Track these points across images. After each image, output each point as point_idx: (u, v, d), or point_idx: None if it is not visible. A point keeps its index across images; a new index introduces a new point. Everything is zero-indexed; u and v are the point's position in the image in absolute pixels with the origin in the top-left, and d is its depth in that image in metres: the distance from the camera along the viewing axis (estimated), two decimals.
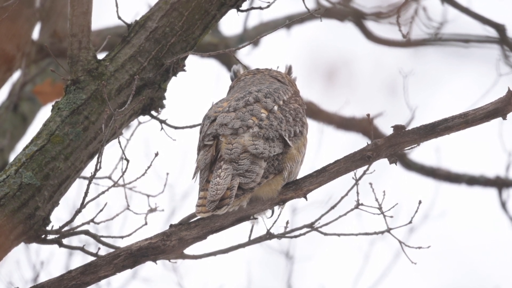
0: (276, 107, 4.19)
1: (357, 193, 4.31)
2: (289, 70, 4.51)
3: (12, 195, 4.30)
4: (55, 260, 6.33)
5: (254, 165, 4.04)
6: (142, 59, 4.49)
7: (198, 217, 4.12)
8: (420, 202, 4.37)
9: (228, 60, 7.11)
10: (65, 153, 4.38)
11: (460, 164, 6.97)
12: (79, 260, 6.51)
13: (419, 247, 4.36)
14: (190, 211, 4.22)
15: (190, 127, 4.67)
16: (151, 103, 4.56)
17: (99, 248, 4.43)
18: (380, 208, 4.33)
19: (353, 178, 4.29)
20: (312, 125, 6.62)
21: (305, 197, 4.19)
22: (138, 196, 4.72)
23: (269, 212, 4.23)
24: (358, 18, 6.21)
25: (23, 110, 7.05)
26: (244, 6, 4.56)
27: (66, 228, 4.42)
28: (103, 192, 4.46)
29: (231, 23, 7.26)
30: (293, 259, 6.47)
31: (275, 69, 4.49)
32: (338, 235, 4.38)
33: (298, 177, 4.22)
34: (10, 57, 5.56)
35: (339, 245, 4.51)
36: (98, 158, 4.25)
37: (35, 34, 6.64)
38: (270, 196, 4.15)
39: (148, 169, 4.55)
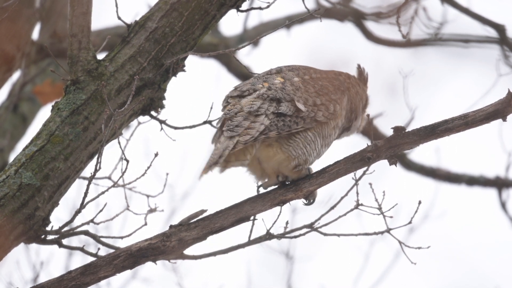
0: (296, 78, 4.21)
1: (357, 193, 4.31)
2: (362, 72, 4.50)
3: (12, 195, 4.30)
4: (55, 261, 6.33)
5: (246, 120, 4.08)
6: (142, 59, 4.49)
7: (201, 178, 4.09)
8: (420, 202, 4.36)
9: (228, 60, 7.11)
10: (65, 153, 4.37)
11: (460, 164, 6.97)
12: (79, 260, 6.51)
13: (419, 247, 4.36)
14: (190, 212, 4.22)
15: (190, 127, 4.67)
16: (151, 103, 4.56)
17: (98, 249, 4.43)
18: (380, 208, 4.33)
19: (353, 178, 4.28)
20: None
21: (305, 198, 4.19)
22: (138, 196, 4.72)
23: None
24: (358, 18, 6.20)
25: (23, 110, 7.05)
26: (244, 6, 4.55)
27: (66, 229, 4.42)
28: (103, 193, 4.45)
29: (231, 23, 7.26)
30: (293, 259, 6.47)
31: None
32: (338, 235, 4.37)
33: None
34: (10, 57, 5.55)
35: (339, 245, 4.51)
36: (98, 158, 4.25)
37: (35, 34, 6.64)
38: (271, 165, 4.15)
39: (148, 170, 4.55)
